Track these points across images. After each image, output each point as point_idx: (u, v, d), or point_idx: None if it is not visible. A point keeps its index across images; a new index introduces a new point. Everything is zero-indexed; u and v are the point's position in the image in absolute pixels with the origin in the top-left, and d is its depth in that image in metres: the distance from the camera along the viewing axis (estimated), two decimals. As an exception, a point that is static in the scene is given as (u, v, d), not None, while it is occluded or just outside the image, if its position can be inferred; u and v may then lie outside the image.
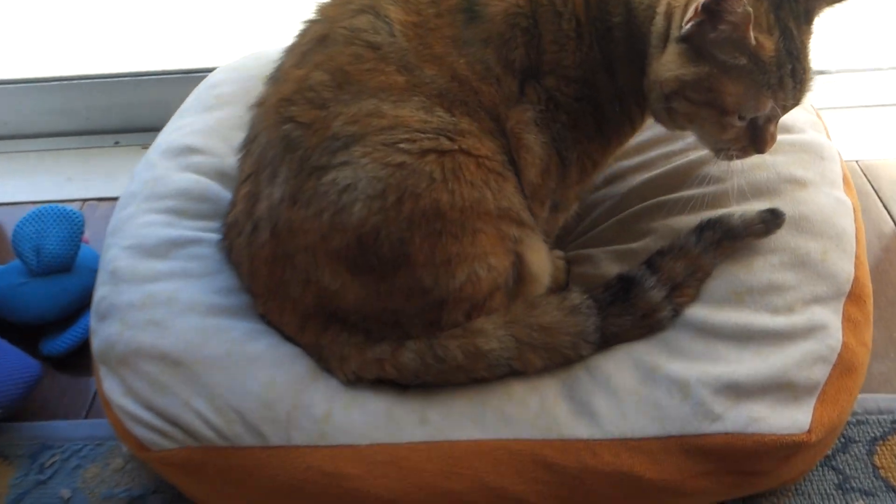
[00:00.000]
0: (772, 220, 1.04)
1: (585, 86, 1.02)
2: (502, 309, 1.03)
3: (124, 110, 1.90)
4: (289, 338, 1.09)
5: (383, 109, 0.96)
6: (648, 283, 1.03)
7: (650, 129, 1.30)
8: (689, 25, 0.90)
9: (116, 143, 1.92)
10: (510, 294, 1.05)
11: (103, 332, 1.12)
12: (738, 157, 1.01)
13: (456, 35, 0.99)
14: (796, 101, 0.96)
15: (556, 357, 1.02)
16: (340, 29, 1.00)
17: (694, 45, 0.92)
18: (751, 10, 0.85)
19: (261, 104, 1.08)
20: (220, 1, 1.89)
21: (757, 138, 0.98)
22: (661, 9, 0.97)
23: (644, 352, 1.02)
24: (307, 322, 1.06)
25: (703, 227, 1.05)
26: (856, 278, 1.04)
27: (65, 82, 1.88)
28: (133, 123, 1.90)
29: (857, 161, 1.63)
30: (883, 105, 1.79)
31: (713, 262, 1.05)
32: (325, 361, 1.05)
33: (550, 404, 1.00)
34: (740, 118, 0.95)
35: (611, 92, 1.03)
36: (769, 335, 0.98)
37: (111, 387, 1.08)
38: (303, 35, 1.07)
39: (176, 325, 1.08)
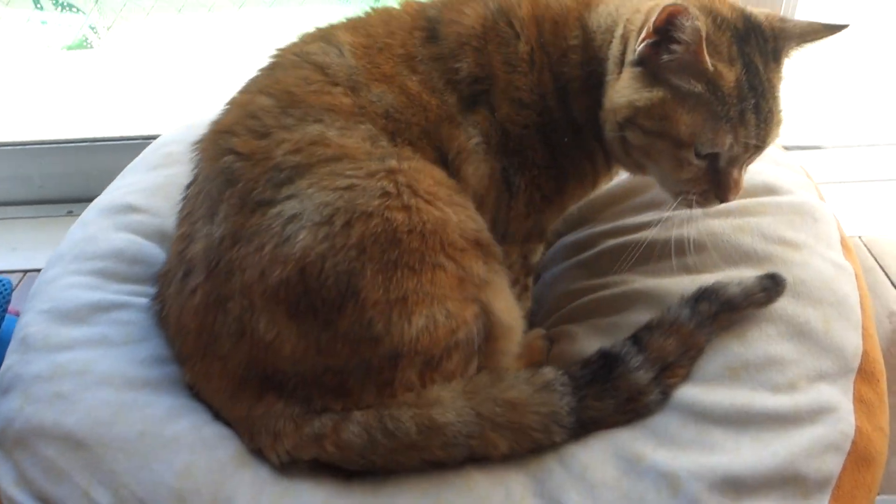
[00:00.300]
0: (773, 287, 0.93)
1: (535, 112, 0.97)
2: (463, 376, 0.90)
3: (79, 178, 1.81)
4: (218, 415, 0.95)
5: (328, 137, 0.89)
6: (634, 361, 0.90)
7: (623, 201, 1.21)
8: (641, 46, 0.87)
9: (70, 212, 1.82)
10: (480, 355, 0.92)
11: (3, 409, 0.96)
12: (700, 205, 0.94)
13: (409, 53, 0.96)
14: (761, 142, 0.90)
15: (524, 440, 0.88)
16: (290, 55, 0.98)
17: (649, 69, 0.89)
18: (700, 25, 0.82)
19: (202, 139, 0.99)
20: (183, 68, 1.84)
21: (719, 182, 0.91)
22: (619, 32, 0.94)
23: (626, 439, 0.88)
24: (239, 389, 0.91)
25: (697, 299, 0.93)
26: (865, 352, 0.92)
27: (17, 147, 1.81)
28: (88, 192, 1.75)
29: (859, 237, 1.54)
30: (886, 180, 1.74)
31: (708, 338, 0.92)
32: (256, 439, 0.90)
33: (517, 500, 0.85)
34: (698, 154, 0.89)
35: (563, 120, 0.98)
36: (771, 418, 0.85)
37: (3, 474, 0.92)
38: (258, 71, 1.01)
39: (85, 399, 0.93)
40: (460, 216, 0.89)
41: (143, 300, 1.07)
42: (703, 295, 0.93)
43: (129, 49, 1.79)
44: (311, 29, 1.02)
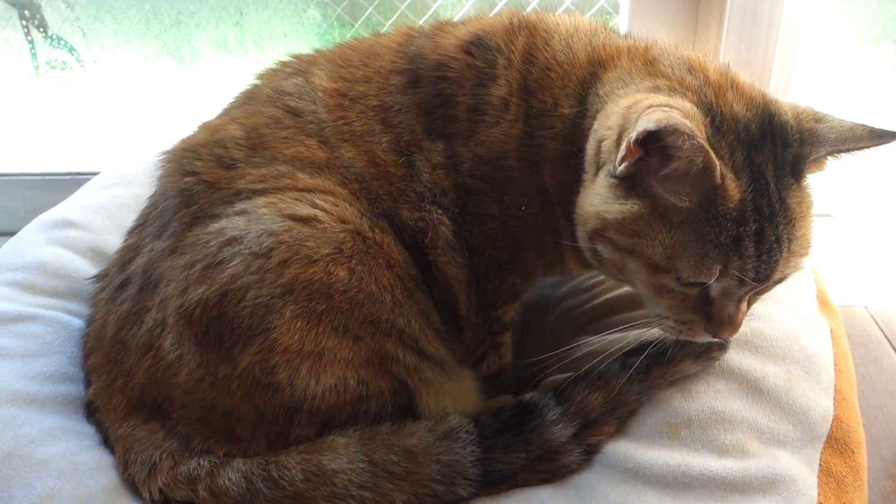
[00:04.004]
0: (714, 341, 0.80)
1: (494, 169, 0.83)
2: (359, 426, 0.81)
3: (60, 209, 1.79)
4: (106, 440, 0.87)
5: (299, 176, 0.83)
6: (551, 414, 0.79)
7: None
8: (623, 166, 0.69)
9: (48, 243, 1.79)
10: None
11: None
12: (687, 336, 0.76)
13: (384, 104, 0.85)
14: (761, 278, 0.70)
15: (425, 494, 0.77)
16: (267, 89, 0.91)
17: (630, 178, 0.71)
18: (700, 142, 0.64)
19: (169, 153, 0.94)
20: (166, 104, 1.86)
21: (710, 315, 0.73)
22: (595, 124, 0.76)
23: (546, 497, 0.76)
24: (133, 410, 0.84)
25: (628, 352, 0.82)
26: (837, 419, 0.79)
27: (3, 178, 1.81)
28: (69, 224, 1.78)
29: (866, 307, 1.42)
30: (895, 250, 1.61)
31: (639, 397, 0.81)
32: (131, 468, 0.82)
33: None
34: (681, 281, 0.71)
35: (526, 185, 0.83)
36: (713, 483, 0.72)
37: None
38: (237, 96, 0.97)
39: (-43, 413, 0.86)
40: (394, 309, 0.80)
41: (55, 314, 1.01)
42: (635, 349, 0.81)
43: (114, 84, 1.82)
44: (293, 55, 0.96)
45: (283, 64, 0.95)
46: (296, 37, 1.72)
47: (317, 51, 0.96)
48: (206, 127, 0.92)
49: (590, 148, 0.76)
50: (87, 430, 0.89)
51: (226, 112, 0.94)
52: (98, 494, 0.79)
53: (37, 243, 1.12)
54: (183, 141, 0.93)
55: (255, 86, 0.95)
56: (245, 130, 0.86)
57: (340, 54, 0.92)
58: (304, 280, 0.76)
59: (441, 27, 0.91)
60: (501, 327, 0.97)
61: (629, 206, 0.71)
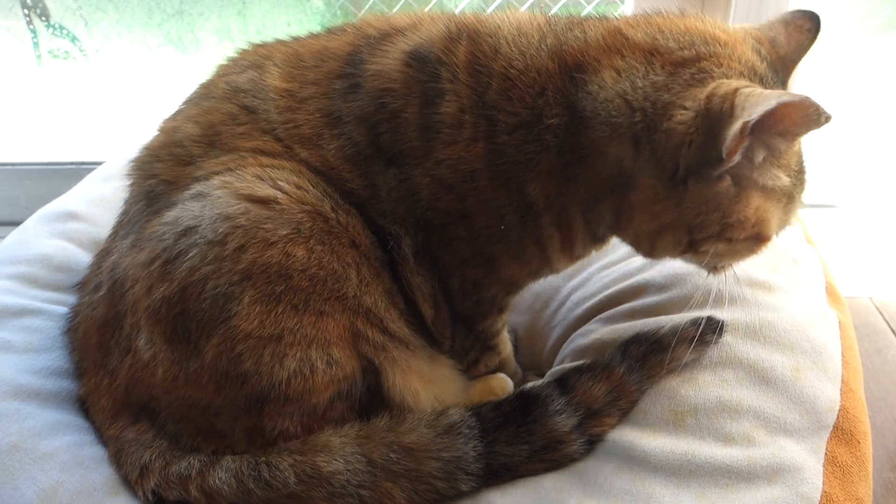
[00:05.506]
0: (707, 325, 0.81)
1: (457, 195, 0.79)
2: (354, 422, 0.80)
3: (63, 200, 1.78)
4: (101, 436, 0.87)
5: (261, 159, 0.82)
6: (555, 404, 0.78)
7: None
8: (736, 158, 0.67)
9: (51, 234, 1.79)
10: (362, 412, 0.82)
11: None
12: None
13: (329, 109, 0.82)
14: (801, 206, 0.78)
15: (426, 491, 0.76)
16: (222, 83, 0.89)
17: (733, 176, 0.70)
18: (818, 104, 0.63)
19: (135, 160, 0.93)
20: (168, 94, 1.85)
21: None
22: (666, 127, 0.70)
23: (551, 487, 0.76)
24: (121, 410, 0.84)
25: (629, 342, 0.82)
26: (843, 409, 0.78)
27: (4, 168, 1.81)
28: (71, 215, 1.77)
29: (870, 298, 1.41)
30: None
31: (640, 387, 0.80)
32: (123, 468, 0.81)
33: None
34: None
35: (504, 204, 0.78)
36: (718, 471, 0.72)
37: None
38: (192, 92, 0.95)
39: (-40, 406, 0.85)
40: (360, 287, 0.79)
41: (59, 308, 1.01)
42: (635, 338, 0.82)
43: (116, 73, 1.82)
44: (252, 45, 0.93)
45: (242, 54, 0.92)
46: (299, 26, 1.71)
47: (277, 41, 0.93)
48: (163, 129, 0.90)
49: (663, 154, 0.70)
50: (87, 425, 0.89)
51: (180, 111, 0.92)
52: (102, 488, 0.80)
53: (39, 235, 1.12)
54: (145, 147, 0.91)
55: (211, 80, 0.92)
56: (202, 128, 0.85)
57: (295, 52, 0.88)
58: (262, 264, 0.74)
59: (385, 38, 0.85)
60: (490, 337, 0.95)
61: (748, 204, 0.71)
